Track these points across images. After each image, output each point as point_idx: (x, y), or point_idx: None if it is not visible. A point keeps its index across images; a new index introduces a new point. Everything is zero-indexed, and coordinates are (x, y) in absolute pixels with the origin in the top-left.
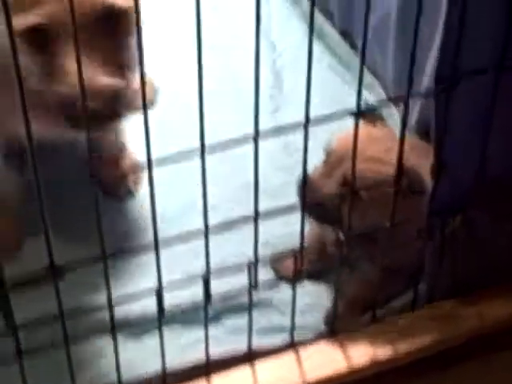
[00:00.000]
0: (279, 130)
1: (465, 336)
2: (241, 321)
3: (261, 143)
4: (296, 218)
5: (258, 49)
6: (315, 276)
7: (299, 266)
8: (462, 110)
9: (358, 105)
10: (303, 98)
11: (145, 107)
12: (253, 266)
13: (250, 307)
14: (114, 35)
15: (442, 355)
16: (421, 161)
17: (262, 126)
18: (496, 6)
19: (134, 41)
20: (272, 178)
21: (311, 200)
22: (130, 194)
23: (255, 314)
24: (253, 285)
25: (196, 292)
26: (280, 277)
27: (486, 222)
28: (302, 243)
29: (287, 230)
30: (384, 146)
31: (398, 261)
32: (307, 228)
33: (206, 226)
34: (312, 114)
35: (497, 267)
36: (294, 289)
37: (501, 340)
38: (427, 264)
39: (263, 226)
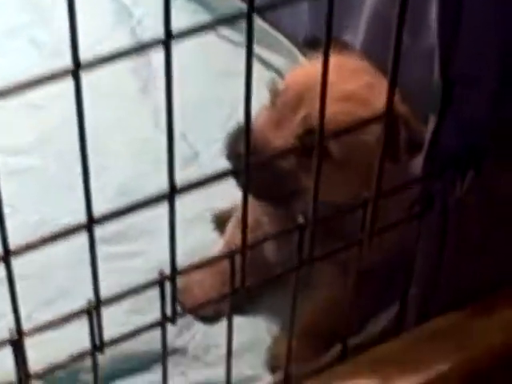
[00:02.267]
0: None
1: (483, 359)
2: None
3: None
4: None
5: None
6: (246, 303)
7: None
8: None
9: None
10: (179, 69)
11: None
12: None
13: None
14: None
15: None
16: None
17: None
18: None
19: None
20: None
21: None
22: None
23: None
24: (169, 318)
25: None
26: (189, 311)
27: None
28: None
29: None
30: (363, 80)
31: (376, 260)
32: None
33: None
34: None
35: None
36: (230, 329)
37: None
38: (420, 257)
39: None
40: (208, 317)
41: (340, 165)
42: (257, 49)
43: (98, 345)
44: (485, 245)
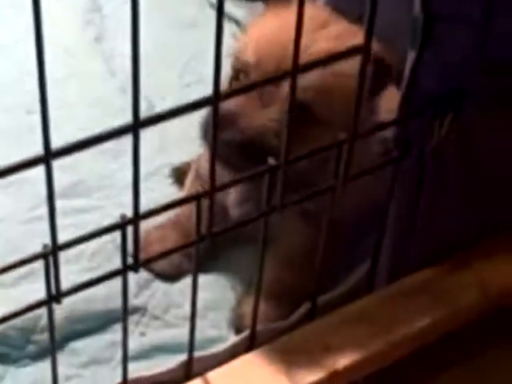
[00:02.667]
0: None
1: (461, 317)
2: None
3: None
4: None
5: None
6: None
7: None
8: None
9: None
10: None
11: None
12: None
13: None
14: None
15: (429, 350)
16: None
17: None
18: None
19: None
20: None
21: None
22: None
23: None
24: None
25: None
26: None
27: (493, 127)
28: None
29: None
30: (334, 32)
31: (346, 210)
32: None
33: None
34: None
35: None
36: (195, 283)
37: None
38: (395, 207)
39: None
40: (168, 275)
41: (327, 126)
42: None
43: (54, 294)
44: (462, 195)
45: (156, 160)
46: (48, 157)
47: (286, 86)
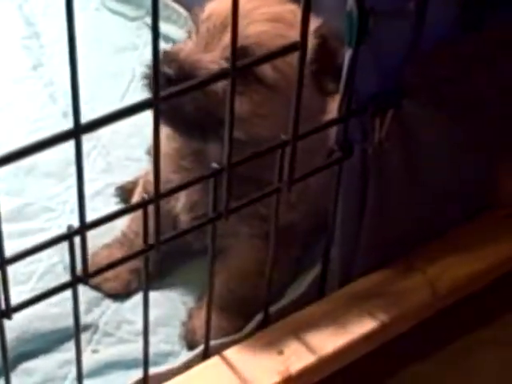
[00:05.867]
0: None
1: (412, 317)
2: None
3: None
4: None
5: None
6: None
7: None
8: None
9: None
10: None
11: None
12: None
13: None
14: None
15: (382, 351)
16: None
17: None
18: None
19: None
20: None
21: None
22: None
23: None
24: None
25: None
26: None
27: (431, 121)
28: None
29: None
30: (286, 6)
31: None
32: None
33: None
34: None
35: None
36: (146, 300)
37: (462, 315)
38: (342, 210)
39: None
40: (117, 293)
41: (272, 91)
42: None
43: (3, 310)
44: (407, 195)
45: (100, 181)
46: None
47: (229, 35)
